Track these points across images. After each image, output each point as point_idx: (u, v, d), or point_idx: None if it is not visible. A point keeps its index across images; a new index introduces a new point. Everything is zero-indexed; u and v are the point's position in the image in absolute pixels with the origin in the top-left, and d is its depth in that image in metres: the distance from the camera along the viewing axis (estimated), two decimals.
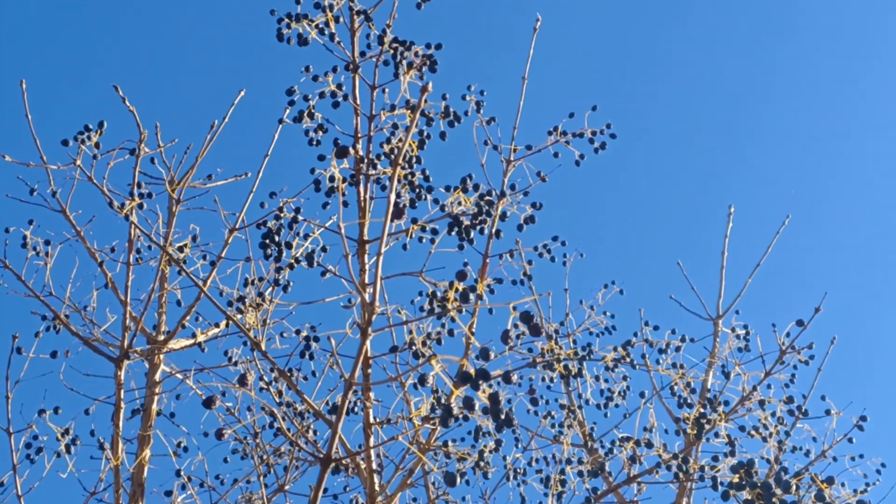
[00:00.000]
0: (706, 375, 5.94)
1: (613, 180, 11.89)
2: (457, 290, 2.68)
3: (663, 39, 12.69)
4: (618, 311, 5.94)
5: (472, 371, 2.37)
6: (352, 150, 4.44)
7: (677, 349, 5.67)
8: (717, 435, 5.19)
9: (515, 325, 4.18)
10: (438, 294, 4.37)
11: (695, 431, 5.02)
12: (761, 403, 5.23)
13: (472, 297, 3.82)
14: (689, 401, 5.46)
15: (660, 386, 5.72)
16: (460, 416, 4.01)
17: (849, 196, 12.58)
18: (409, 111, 4.38)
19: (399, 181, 4.39)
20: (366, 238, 4.44)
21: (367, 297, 3.04)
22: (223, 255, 5.35)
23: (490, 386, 2.57)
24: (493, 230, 4.68)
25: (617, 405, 5.77)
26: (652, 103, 12.66)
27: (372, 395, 4.62)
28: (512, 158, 5.06)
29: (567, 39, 11.97)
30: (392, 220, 3.79)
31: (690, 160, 12.48)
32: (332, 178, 4.23)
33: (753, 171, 12.50)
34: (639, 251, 11.58)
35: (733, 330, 5.87)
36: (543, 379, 5.76)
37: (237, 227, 5.38)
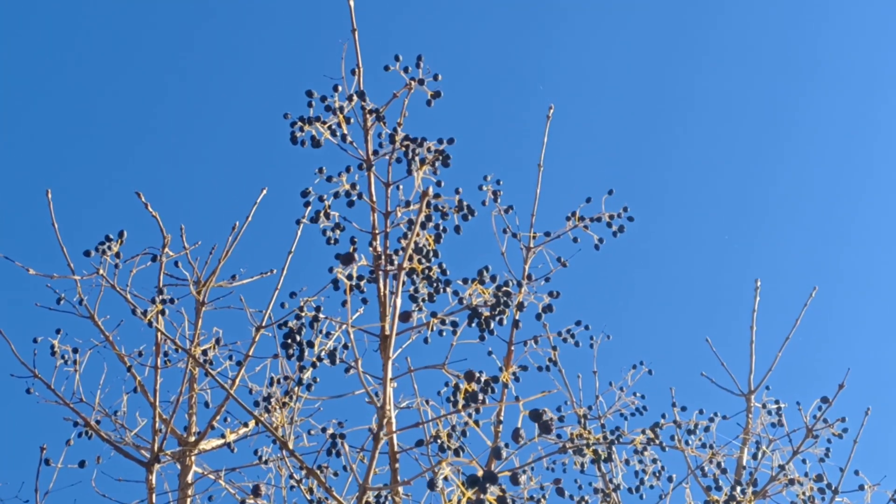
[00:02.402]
0: (741, 453, 5.88)
1: (637, 260, 11.85)
2: (467, 391, 2.69)
3: (678, 115, 12.74)
4: (648, 391, 5.90)
5: (479, 473, 2.38)
6: (370, 248, 4.48)
7: (706, 429, 5.62)
8: None
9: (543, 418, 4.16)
10: (461, 386, 4.38)
11: None
12: (791, 482, 5.17)
13: (490, 390, 3.82)
14: (719, 483, 5.39)
15: (694, 465, 5.66)
16: None
17: (878, 263, 12.49)
18: (424, 208, 4.42)
19: (418, 276, 4.43)
20: (387, 333, 4.46)
21: (377, 401, 3.05)
22: (251, 353, 5.37)
23: (516, 477, 2.57)
24: (515, 319, 4.70)
25: (652, 486, 5.71)
26: (671, 180, 12.67)
27: (401, 489, 4.61)
28: (532, 245, 5.11)
29: (581, 122, 12.04)
30: (403, 321, 3.82)
31: (713, 236, 12.45)
32: (349, 277, 4.26)
33: (778, 244, 12.44)
34: (666, 330, 11.51)
35: (764, 406, 5.80)
36: (576, 463, 5.72)
37: (263, 324, 5.40)
